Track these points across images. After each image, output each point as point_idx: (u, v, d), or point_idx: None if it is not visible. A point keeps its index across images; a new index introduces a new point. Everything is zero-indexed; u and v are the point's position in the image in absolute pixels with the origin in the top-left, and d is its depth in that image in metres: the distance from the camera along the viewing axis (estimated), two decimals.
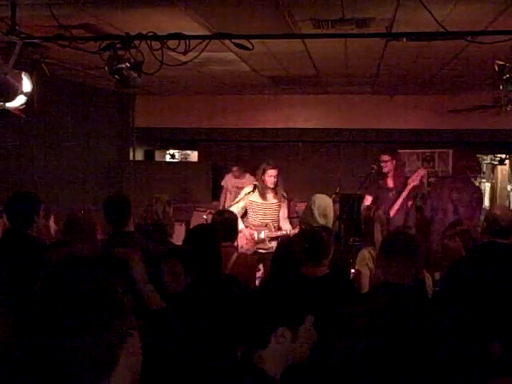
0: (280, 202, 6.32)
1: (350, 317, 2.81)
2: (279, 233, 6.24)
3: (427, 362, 2.61)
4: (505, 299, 3.55)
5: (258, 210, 6.26)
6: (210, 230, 3.74)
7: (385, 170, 6.78)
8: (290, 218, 6.81)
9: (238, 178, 8.79)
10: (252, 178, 8.37)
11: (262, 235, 6.17)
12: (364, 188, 6.93)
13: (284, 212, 6.40)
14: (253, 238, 6.13)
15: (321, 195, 5.47)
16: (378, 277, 4.02)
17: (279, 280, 3.75)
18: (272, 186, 6.19)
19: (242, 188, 8.62)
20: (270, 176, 6.16)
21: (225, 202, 8.77)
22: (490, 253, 3.79)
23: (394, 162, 6.71)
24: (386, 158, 6.76)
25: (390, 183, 6.82)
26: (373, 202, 6.77)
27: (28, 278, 2.47)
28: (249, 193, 6.26)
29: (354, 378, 2.68)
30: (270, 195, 6.25)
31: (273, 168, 6.18)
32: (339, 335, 2.78)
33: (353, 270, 5.17)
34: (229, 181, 8.93)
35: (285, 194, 6.36)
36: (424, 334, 2.67)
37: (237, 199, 6.42)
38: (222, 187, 9.05)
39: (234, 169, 8.82)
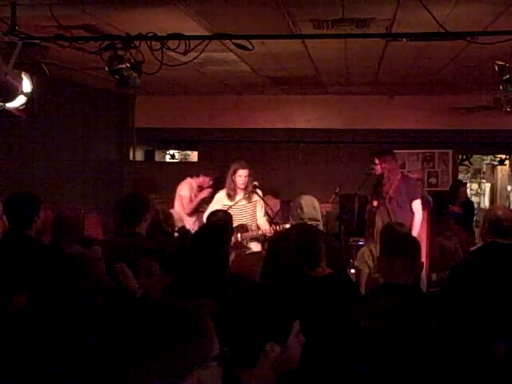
0: (250, 202, 6.14)
1: (353, 317, 2.81)
2: (254, 233, 6.05)
3: (430, 363, 2.61)
4: (509, 300, 3.55)
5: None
6: (221, 229, 3.68)
7: (376, 172, 6.11)
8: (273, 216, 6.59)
9: None
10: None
11: (239, 238, 5.91)
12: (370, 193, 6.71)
13: (261, 211, 6.23)
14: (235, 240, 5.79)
15: (304, 195, 5.23)
16: (378, 277, 4.02)
17: (284, 279, 3.70)
18: (242, 186, 6.05)
19: None
20: (241, 176, 6.03)
21: None
22: (494, 253, 3.79)
23: (385, 166, 5.94)
24: (375, 161, 6.10)
25: (391, 192, 5.95)
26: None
27: (27, 279, 2.47)
28: (220, 199, 6.10)
29: (357, 378, 2.68)
30: (239, 196, 6.08)
31: (244, 168, 6.06)
32: (342, 335, 2.78)
33: (353, 271, 5.18)
34: None
35: (260, 193, 6.18)
36: (426, 335, 2.67)
37: (210, 206, 6.15)
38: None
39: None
